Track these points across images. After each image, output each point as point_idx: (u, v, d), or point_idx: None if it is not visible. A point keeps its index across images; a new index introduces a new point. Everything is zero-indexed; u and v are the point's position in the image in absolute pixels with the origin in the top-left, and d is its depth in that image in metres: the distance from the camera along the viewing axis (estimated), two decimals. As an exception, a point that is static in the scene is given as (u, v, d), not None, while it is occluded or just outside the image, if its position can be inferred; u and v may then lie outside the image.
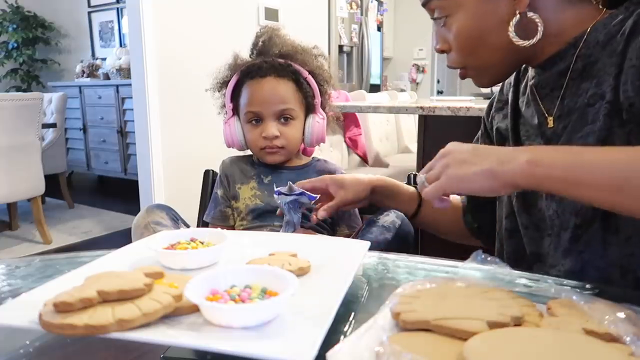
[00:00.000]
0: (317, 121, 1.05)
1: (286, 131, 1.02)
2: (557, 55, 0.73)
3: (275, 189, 0.84)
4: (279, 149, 1.02)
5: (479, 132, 0.97)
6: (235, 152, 1.12)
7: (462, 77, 0.79)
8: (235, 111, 1.06)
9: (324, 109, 1.08)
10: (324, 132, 1.07)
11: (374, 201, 0.95)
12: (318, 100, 1.05)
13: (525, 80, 0.83)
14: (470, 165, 0.60)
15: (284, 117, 1.02)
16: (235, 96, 1.05)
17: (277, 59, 1.03)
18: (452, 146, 0.64)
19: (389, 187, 0.95)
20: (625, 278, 0.66)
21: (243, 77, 1.03)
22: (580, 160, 0.55)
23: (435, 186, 0.63)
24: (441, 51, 0.78)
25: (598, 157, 0.55)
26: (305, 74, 1.03)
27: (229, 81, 1.05)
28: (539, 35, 0.68)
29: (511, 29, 0.69)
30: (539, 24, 0.68)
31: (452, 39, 0.74)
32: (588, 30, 0.70)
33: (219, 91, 1.09)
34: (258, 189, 1.04)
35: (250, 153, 1.11)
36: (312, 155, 1.15)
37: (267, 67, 1.01)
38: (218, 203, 1.07)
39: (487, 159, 0.59)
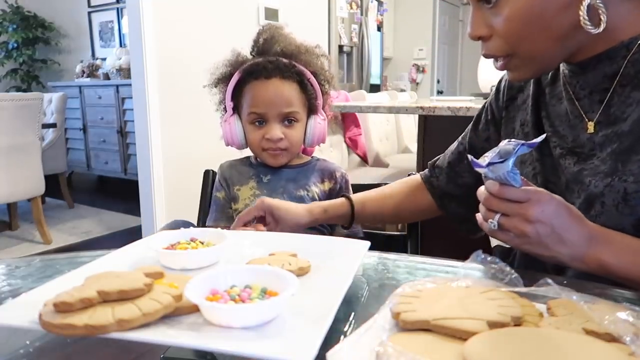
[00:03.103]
0: (319, 122, 1.04)
1: (290, 133, 1.01)
2: (604, 54, 0.67)
3: (475, 161, 0.59)
4: (282, 151, 1.01)
5: (483, 119, 0.90)
6: (235, 152, 1.12)
7: (502, 68, 0.71)
8: (236, 110, 1.04)
9: (324, 110, 1.07)
10: (325, 133, 1.07)
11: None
12: (320, 101, 1.05)
13: (552, 73, 0.77)
14: (545, 249, 0.62)
15: (288, 120, 1.01)
16: (236, 95, 1.03)
17: (281, 58, 1.01)
18: (541, 216, 0.59)
19: (328, 211, 0.94)
20: None
21: (246, 76, 1.01)
22: None
23: (505, 240, 0.65)
24: (478, 38, 0.70)
25: None
26: (309, 75, 1.02)
27: (228, 77, 1.03)
28: (603, 25, 0.62)
29: (583, 11, 0.61)
30: (602, 14, 0.61)
31: (503, 23, 0.66)
32: None
33: (216, 87, 1.06)
34: (257, 188, 1.04)
35: (248, 154, 1.10)
36: (312, 155, 1.15)
37: (272, 67, 0.99)
38: (220, 205, 1.06)
39: (562, 249, 0.61)
